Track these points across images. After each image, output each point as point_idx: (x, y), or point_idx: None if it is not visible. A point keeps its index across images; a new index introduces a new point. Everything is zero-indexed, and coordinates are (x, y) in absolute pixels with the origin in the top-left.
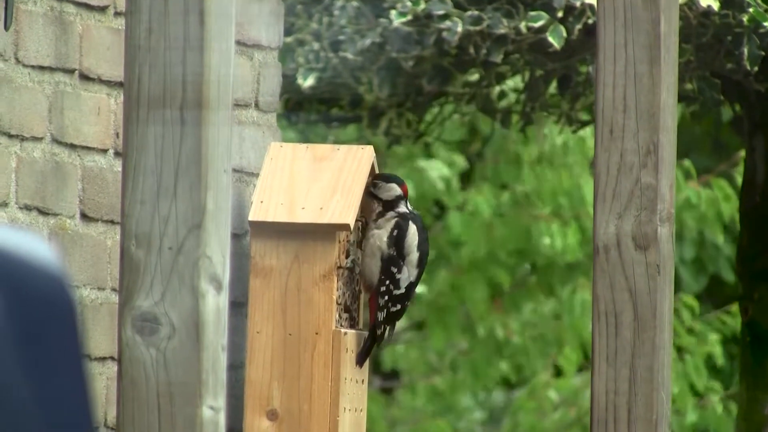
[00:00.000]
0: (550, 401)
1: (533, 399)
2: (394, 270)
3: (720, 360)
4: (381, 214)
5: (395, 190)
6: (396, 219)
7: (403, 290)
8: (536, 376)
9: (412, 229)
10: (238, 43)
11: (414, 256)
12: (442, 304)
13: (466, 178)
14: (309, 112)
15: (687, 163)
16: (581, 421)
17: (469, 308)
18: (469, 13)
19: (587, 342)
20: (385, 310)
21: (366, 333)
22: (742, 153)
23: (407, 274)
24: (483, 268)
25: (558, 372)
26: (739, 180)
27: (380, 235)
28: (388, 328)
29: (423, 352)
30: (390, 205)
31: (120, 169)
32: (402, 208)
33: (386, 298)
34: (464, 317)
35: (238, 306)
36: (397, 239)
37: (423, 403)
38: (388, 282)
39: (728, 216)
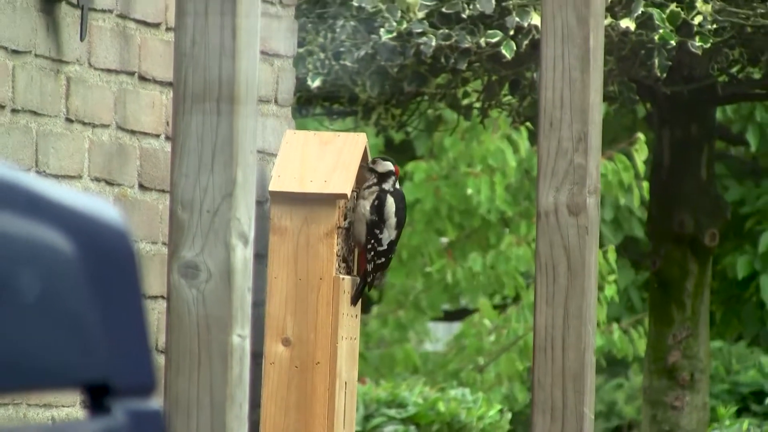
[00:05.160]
0: (486, 327)
1: (473, 326)
2: (377, 231)
3: (614, 295)
4: (369, 187)
5: (389, 166)
6: (377, 192)
7: (385, 246)
8: (476, 310)
9: (390, 200)
10: (262, 52)
11: (392, 220)
12: (402, 251)
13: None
14: (316, 107)
15: None
16: (515, 344)
17: (424, 255)
18: (441, 30)
19: (518, 284)
20: (372, 263)
21: (358, 278)
22: (639, 135)
23: (388, 234)
24: (432, 221)
25: (494, 307)
26: (636, 156)
27: (364, 205)
28: (376, 275)
29: (391, 290)
30: (382, 177)
31: (169, 149)
32: (387, 185)
33: (372, 253)
34: (421, 263)
35: (260, 257)
36: (378, 207)
37: (390, 332)
38: (372, 241)
39: (627, 182)
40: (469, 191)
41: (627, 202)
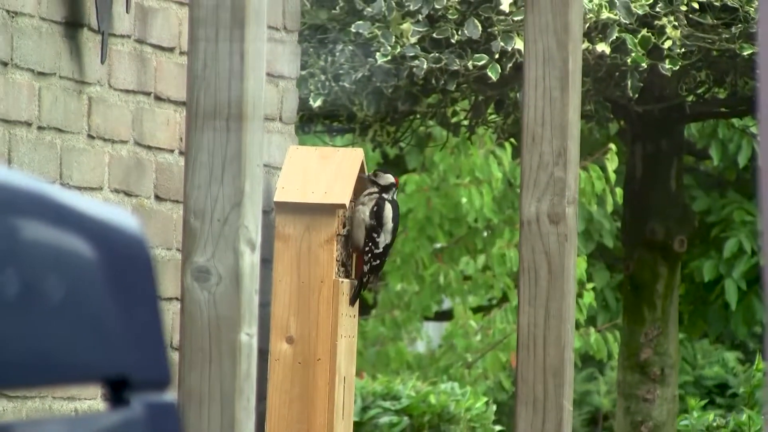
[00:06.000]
0: (472, 327)
1: (461, 327)
2: (375, 235)
3: (592, 301)
4: (369, 195)
5: (390, 179)
6: (376, 199)
7: (381, 250)
8: (464, 311)
9: (388, 207)
10: (268, 74)
11: (389, 225)
12: (397, 257)
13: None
14: (317, 125)
15: None
16: (501, 342)
17: (417, 260)
18: (432, 54)
19: (506, 287)
20: (369, 265)
21: (356, 281)
22: (611, 146)
23: (384, 238)
24: (424, 229)
25: (480, 308)
26: (608, 165)
27: (364, 210)
28: (372, 277)
29: (387, 293)
30: (384, 189)
31: (183, 163)
32: (388, 195)
33: (369, 255)
34: (415, 267)
35: (266, 262)
36: (377, 214)
37: (386, 331)
38: (370, 244)
39: (599, 191)
40: (464, 200)
41: (599, 206)
